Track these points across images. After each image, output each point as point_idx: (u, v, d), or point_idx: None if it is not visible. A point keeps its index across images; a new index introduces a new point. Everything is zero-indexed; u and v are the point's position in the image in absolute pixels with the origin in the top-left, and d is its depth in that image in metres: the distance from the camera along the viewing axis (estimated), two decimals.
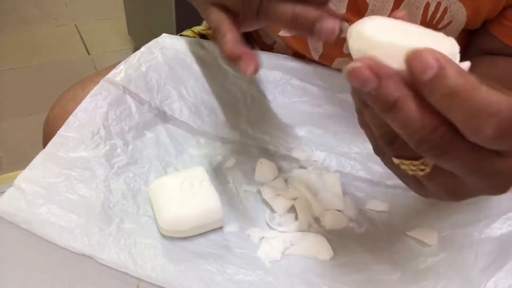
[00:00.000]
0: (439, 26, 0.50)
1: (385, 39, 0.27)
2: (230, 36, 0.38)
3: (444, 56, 0.25)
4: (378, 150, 0.32)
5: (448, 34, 0.53)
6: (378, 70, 0.26)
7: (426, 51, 0.25)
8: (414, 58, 0.25)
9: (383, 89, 0.26)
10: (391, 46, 0.26)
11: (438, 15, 0.49)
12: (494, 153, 0.26)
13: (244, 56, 0.36)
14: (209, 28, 0.69)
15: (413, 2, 0.49)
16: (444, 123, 0.25)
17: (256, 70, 0.36)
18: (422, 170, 0.29)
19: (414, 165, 0.29)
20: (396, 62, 0.26)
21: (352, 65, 0.26)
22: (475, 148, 0.26)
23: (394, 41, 0.27)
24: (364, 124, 0.31)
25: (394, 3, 0.49)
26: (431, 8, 0.49)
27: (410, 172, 0.29)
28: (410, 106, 0.25)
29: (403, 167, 0.30)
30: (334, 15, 0.34)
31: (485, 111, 0.24)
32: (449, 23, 0.50)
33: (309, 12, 0.34)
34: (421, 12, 0.49)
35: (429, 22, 0.50)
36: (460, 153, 0.26)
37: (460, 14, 0.49)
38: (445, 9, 0.48)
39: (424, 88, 0.25)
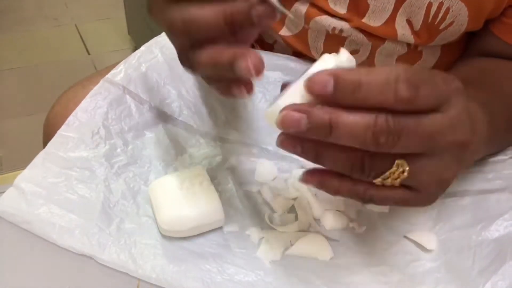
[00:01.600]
0: (441, 27, 0.50)
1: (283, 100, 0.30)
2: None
3: (331, 70, 0.28)
4: (363, 195, 0.33)
5: (449, 35, 0.53)
6: (300, 108, 0.29)
7: (318, 74, 0.28)
8: (312, 84, 0.29)
9: (315, 117, 0.29)
10: (289, 96, 0.30)
11: (440, 15, 0.49)
12: (429, 113, 0.29)
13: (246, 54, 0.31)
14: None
15: (415, 2, 0.49)
16: (380, 111, 0.28)
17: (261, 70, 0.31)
18: (402, 172, 0.31)
19: (393, 173, 0.31)
20: (302, 99, 0.30)
21: (279, 117, 0.29)
22: (419, 119, 0.29)
23: (288, 93, 0.31)
24: (335, 190, 0.33)
25: (395, 3, 0.49)
26: (433, 8, 0.49)
27: (396, 182, 0.31)
28: (344, 116, 0.28)
29: (386, 182, 0.31)
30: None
31: (389, 83, 0.27)
32: (450, 24, 0.50)
33: (223, 53, 0.31)
34: (423, 12, 0.49)
35: (431, 22, 0.50)
36: (410, 129, 0.29)
37: (462, 15, 0.49)
38: (447, 9, 0.48)
39: (335, 99, 0.28)
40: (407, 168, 0.30)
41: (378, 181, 0.31)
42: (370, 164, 0.30)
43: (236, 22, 0.30)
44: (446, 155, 0.31)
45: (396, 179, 0.31)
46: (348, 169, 0.31)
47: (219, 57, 0.31)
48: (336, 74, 0.28)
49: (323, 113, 0.29)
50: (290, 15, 0.31)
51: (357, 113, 0.28)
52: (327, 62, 0.31)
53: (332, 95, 0.28)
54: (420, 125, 0.29)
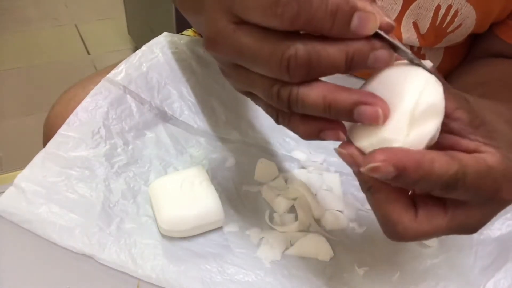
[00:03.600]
0: (449, 30, 0.50)
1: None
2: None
3: (398, 158, 0.26)
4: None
5: (455, 38, 0.53)
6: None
7: (383, 162, 0.26)
8: (375, 171, 0.27)
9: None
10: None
11: (449, 18, 0.49)
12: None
13: (366, 97, 0.28)
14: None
15: (423, 5, 0.48)
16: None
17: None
18: None
19: None
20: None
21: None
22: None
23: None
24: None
25: (402, 5, 0.49)
26: (442, 11, 0.48)
27: None
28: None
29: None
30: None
31: (439, 182, 0.27)
32: (458, 26, 0.49)
33: (341, 94, 0.28)
34: (432, 15, 0.49)
35: (439, 25, 0.49)
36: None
37: (470, 17, 0.48)
38: (456, 12, 0.48)
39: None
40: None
41: None
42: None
43: (354, 64, 0.27)
44: None
45: None
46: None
47: (334, 98, 0.27)
48: (401, 169, 0.26)
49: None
50: (411, 55, 0.28)
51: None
52: (416, 82, 0.28)
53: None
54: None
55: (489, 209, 0.30)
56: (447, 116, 0.29)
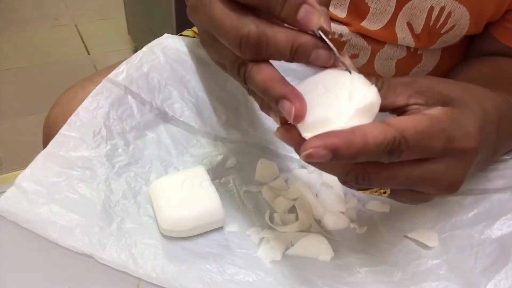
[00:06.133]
0: (442, 31, 0.50)
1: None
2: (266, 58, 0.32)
3: (329, 140, 0.29)
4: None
5: (450, 39, 0.53)
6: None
7: (315, 147, 0.28)
8: (310, 158, 0.29)
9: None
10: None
11: (442, 19, 0.49)
12: (416, 163, 0.31)
13: (291, 94, 0.30)
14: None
15: (416, 6, 0.48)
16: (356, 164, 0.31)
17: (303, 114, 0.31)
18: (384, 193, 0.34)
19: (375, 192, 0.34)
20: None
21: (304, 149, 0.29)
22: (395, 171, 0.31)
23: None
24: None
25: (395, 6, 0.49)
26: (435, 12, 0.48)
27: (377, 195, 0.34)
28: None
29: (368, 193, 0.35)
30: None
31: (375, 151, 0.29)
32: (452, 28, 0.50)
33: (275, 85, 0.31)
34: (425, 16, 0.49)
35: (433, 26, 0.50)
36: (385, 179, 0.31)
37: (463, 19, 0.49)
38: (449, 14, 0.48)
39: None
40: (389, 192, 0.34)
41: (361, 192, 0.35)
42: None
43: (297, 55, 0.31)
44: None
45: (378, 194, 0.35)
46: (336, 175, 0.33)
47: (270, 86, 0.31)
48: (334, 149, 0.28)
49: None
50: (349, 66, 0.31)
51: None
52: (360, 96, 0.31)
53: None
54: (408, 176, 0.31)
55: (453, 161, 0.32)
56: (403, 106, 0.32)
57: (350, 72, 0.31)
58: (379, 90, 0.31)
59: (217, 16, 0.31)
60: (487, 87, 0.39)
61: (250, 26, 0.30)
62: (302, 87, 0.32)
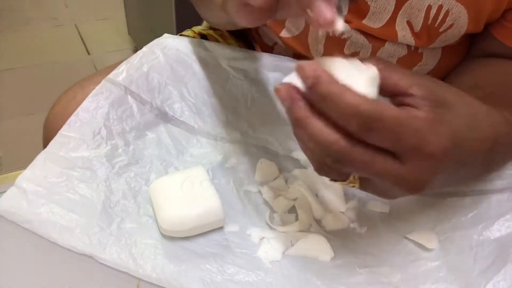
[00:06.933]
0: (441, 30, 0.50)
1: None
2: None
3: (320, 69, 0.30)
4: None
5: (449, 37, 0.53)
6: (291, 93, 0.32)
7: (308, 64, 0.31)
8: (300, 69, 0.31)
9: (292, 108, 0.32)
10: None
11: (440, 17, 0.49)
12: (390, 158, 0.31)
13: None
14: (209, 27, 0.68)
15: (415, 5, 0.49)
16: (344, 138, 0.31)
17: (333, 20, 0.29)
18: (353, 186, 0.34)
19: (345, 184, 0.34)
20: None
21: (278, 85, 0.32)
22: (373, 157, 0.31)
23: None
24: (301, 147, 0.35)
25: (395, 5, 0.49)
26: (433, 11, 0.49)
27: (348, 186, 0.35)
28: (310, 123, 0.31)
29: (339, 183, 0.35)
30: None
31: (349, 111, 0.30)
32: (450, 26, 0.50)
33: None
34: (423, 15, 0.49)
35: (431, 25, 0.50)
36: (363, 163, 0.31)
37: (462, 17, 0.49)
38: (447, 12, 0.48)
39: (310, 96, 0.31)
40: (358, 186, 0.34)
41: (331, 182, 0.35)
42: (327, 172, 0.33)
43: None
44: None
45: (348, 186, 0.34)
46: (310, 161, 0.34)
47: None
48: (318, 76, 0.30)
49: (298, 110, 0.32)
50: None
51: (322, 128, 0.31)
52: (363, 72, 0.32)
53: (308, 90, 0.31)
54: (369, 165, 0.31)
55: (421, 166, 0.31)
56: (403, 93, 0.32)
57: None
58: (382, 68, 0.32)
59: None
60: (488, 97, 0.39)
61: None
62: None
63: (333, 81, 0.30)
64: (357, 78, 0.31)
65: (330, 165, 0.32)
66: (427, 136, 0.31)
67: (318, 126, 0.31)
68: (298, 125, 0.32)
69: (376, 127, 0.30)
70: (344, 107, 0.30)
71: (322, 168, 0.33)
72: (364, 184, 0.34)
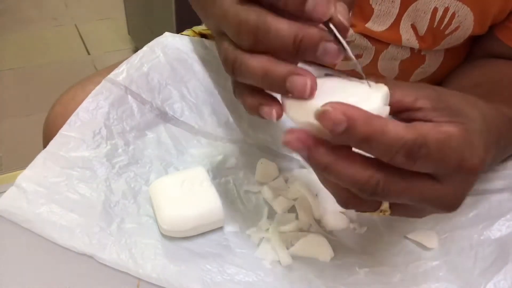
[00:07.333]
0: (447, 32, 0.50)
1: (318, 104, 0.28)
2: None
3: (349, 108, 0.27)
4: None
5: (454, 40, 0.53)
6: (305, 141, 0.28)
7: (334, 108, 0.27)
8: (324, 118, 0.27)
9: (314, 156, 0.29)
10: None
11: (446, 20, 0.49)
12: (429, 180, 0.30)
13: (299, 69, 0.29)
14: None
15: (421, 7, 0.48)
16: (378, 170, 0.29)
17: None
18: (384, 214, 0.32)
19: (375, 214, 0.32)
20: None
21: (285, 137, 0.29)
22: (411, 183, 0.29)
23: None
24: (325, 184, 0.33)
25: (400, 7, 0.49)
26: (439, 13, 0.48)
27: (379, 216, 0.33)
28: (340, 166, 0.28)
29: (369, 214, 0.33)
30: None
31: (395, 147, 0.27)
32: (456, 29, 0.49)
33: (278, 66, 0.30)
34: (429, 17, 0.49)
35: (436, 27, 0.49)
36: (401, 191, 0.29)
37: (467, 19, 0.48)
38: (453, 14, 0.48)
39: (341, 139, 0.28)
40: (389, 213, 0.32)
41: (359, 212, 0.33)
42: (354, 205, 0.32)
43: (302, 48, 0.29)
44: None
45: (377, 215, 0.33)
46: (334, 196, 0.32)
47: (272, 69, 0.29)
48: (351, 119, 0.27)
49: (322, 156, 0.29)
50: (355, 61, 0.30)
51: (353, 164, 0.29)
52: (372, 95, 0.30)
53: (339, 135, 0.27)
54: (408, 192, 0.29)
55: (459, 182, 0.31)
56: (409, 109, 0.31)
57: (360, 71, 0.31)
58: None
59: (225, 7, 0.30)
60: (487, 94, 0.39)
61: (251, 13, 0.29)
62: None
63: (368, 118, 0.27)
64: (371, 97, 0.29)
65: (363, 199, 0.31)
66: (465, 151, 0.29)
67: (348, 167, 0.29)
68: (325, 172, 0.29)
69: (422, 154, 0.28)
70: (389, 143, 0.27)
71: (350, 202, 0.31)
72: (397, 210, 0.33)
